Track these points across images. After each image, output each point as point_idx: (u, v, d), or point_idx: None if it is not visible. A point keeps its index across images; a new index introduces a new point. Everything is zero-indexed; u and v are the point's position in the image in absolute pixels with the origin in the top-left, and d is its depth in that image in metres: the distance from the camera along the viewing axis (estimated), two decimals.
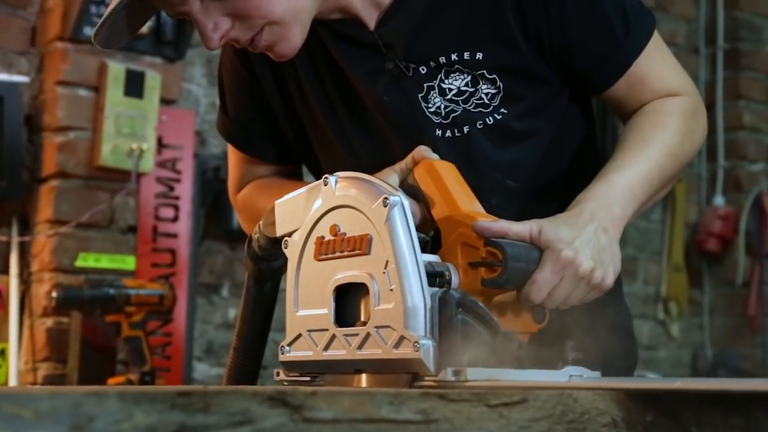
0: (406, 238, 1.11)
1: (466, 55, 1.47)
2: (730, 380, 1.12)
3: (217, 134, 3.83)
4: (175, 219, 3.57)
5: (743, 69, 5.06)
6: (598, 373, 1.16)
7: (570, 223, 1.28)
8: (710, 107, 5.10)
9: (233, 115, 1.68)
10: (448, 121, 1.49)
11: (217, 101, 4.16)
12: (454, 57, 1.47)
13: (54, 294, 3.02)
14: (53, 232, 3.31)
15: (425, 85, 1.48)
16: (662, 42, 1.55)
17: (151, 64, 3.50)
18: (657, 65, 1.52)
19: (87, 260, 3.35)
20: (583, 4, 1.47)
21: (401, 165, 1.35)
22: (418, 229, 1.22)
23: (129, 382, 3.04)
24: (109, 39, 1.41)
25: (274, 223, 1.29)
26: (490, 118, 1.49)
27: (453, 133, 1.49)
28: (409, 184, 1.33)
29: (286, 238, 1.25)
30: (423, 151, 1.35)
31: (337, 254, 1.17)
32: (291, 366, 1.23)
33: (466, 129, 1.49)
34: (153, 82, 3.44)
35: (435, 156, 1.34)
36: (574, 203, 1.35)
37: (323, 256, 1.19)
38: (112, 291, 3.06)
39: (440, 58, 1.47)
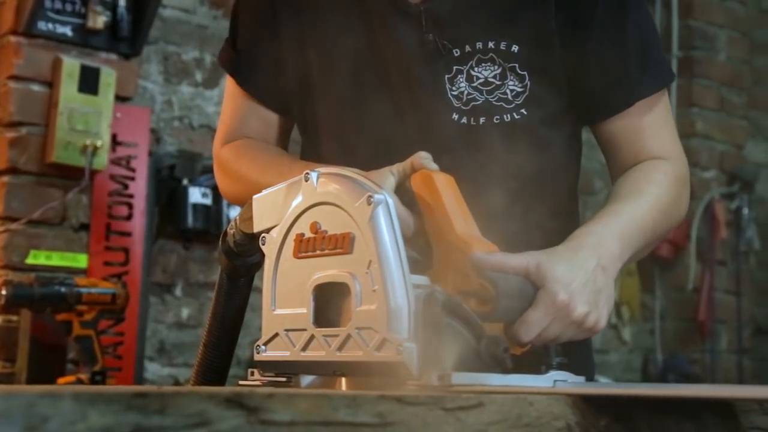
0: (390, 237, 1.07)
1: (503, 45, 1.47)
2: (683, 386, 1.13)
3: (173, 132, 3.84)
4: (129, 217, 3.54)
5: (697, 77, 5.13)
6: (582, 378, 1.14)
7: (568, 258, 1.24)
8: None
9: (243, 47, 1.63)
10: (468, 108, 1.48)
11: (173, 99, 4.13)
12: (491, 45, 1.47)
13: (3, 291, 2.97)
14: (3, 228, 3.26)
15: (455, 67, 1.48)
16: (670, 109, 1.55)
17: (107, 60, 3.46)
18: (659, 122, 1.52)
19: (38, 258, 3.31)
20: (611, 23, 1.47)
21: (399, 168, 1.29)
22: (410, 241, 1.18)
23: (79, 381, 3.00)
24: None
25: (251, 218, 1.25)
26: (508, 115, 1.48)
27: (468, 120, 1.48)
28: (406, 190, 1.27)
29: (263, 234, 1.21)
30: (423, 159, 1.28)
31: (318, 252, 1.13)
32: (266, 366, 1.19)
33: (482, 120, 1.48)
34: (108, 78, 3.40)
35: (435, 166, 1.28)
36: (573, 237, 1.32)
37: (303, 254, 1.15)
38: (63, 289, 3.01)
39: (477, 44, 1.47)
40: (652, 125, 1.51)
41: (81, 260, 3.40)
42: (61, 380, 3.08)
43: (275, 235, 1.19)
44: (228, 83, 1.69)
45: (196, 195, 3.66)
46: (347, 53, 1.52)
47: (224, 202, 3.70)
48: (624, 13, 1.49)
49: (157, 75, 3.79)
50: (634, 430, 0.93)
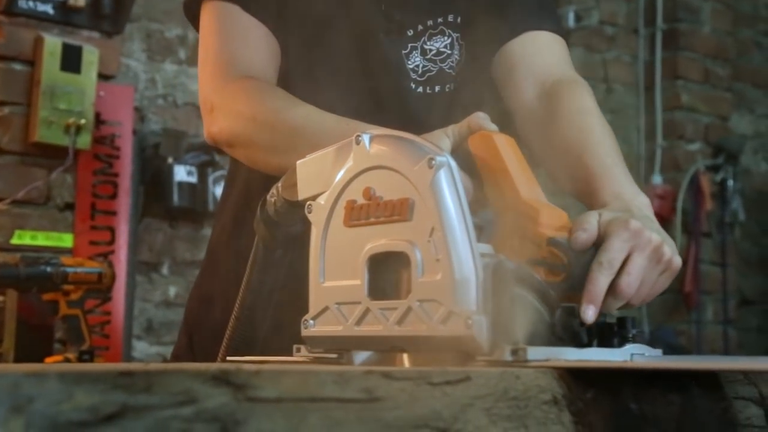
0: (454, 202, 0.98)
1: (450, 18, 1.59)
2: (668, 358, 1.12)
3: (157, 110, 3.81)
4: (114, 196, 3.53)
5: (681, 49, 5.13)
6: (659, 351, 1.07)
7: (618, 211, 1.19)
8: (649, 87, 5.16)
9: None
10: (423, 79, 1.58)
11: (157, 77, 4.09)
12: (439, 20, 1.58)
13: None
14: None
15: (410, 45, 1.58)
16: (570, 59, 1.62)
17: (89, 38, 3.44)
18: (556, 51, 1.60)
19: (23, 238, 3.30)
20: None
21: (455, 129, 1.22)
22: (470, 207, 1.05)
23: (67, 360, 2.99)
24: None
25: (295, 185, 1.16)
26: (451, 85, 1.59)
27: (424, 89, 1.58)
28: (463, 153, 1.17)
29: (309, 202, 1.11)
30: (481, 119, 1.20)
31: (372, 220, 1.03)
32: (316, 342, 1.11)
33: (437, 88, 1.59)
34: (91, 56, 3.38)
35: (494, 126, 1.20)
36: (600, 206, 1.27)
37: (355, 222, 1.05)
38: (49, 269, 3.00)
39: (428, 21, 1.58)
40: (551, 50, 1.60)
41: (66, 240, 3.39)
42: (48, 360, 3.07)
43: (323, 202, 1.09)
44: (219, 13, 1.62)
45: (182, 173, 3.65)
46: (318, 21, 1.57)
47: (210, 180, 3.69)
48: None
49: (140, 53, 3.77)
50: (620, 401, 0.94)
